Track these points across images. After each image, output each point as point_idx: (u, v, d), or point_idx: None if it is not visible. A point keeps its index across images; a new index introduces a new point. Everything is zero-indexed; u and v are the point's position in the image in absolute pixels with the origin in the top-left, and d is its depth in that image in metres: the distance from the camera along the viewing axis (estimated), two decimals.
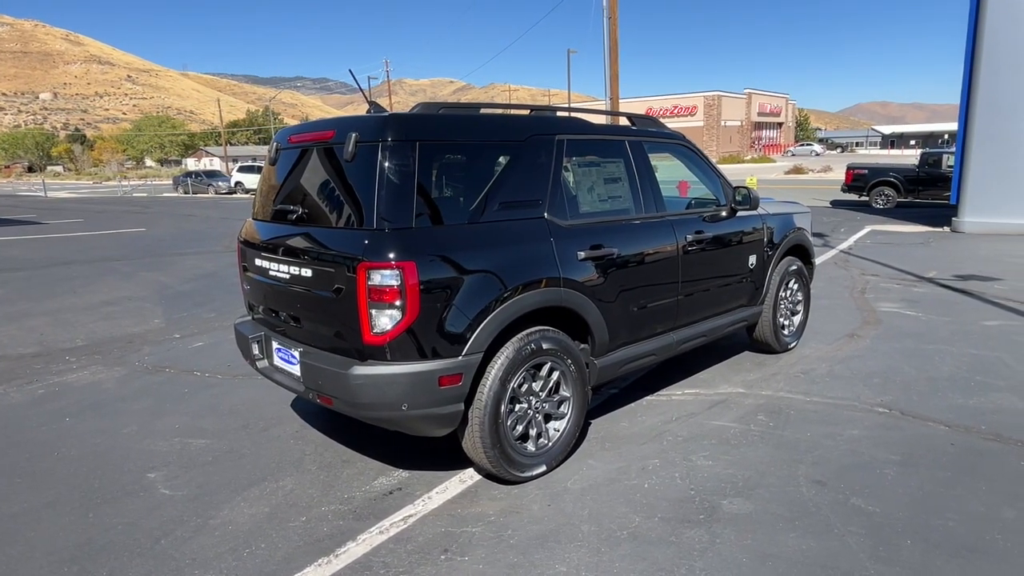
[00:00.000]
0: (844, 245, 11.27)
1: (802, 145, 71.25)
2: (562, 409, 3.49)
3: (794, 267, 5.26)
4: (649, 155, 4.12)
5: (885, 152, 73.30)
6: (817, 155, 63.94)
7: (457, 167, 3.24)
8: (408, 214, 2.92)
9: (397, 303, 2.84)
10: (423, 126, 3.08)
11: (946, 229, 12.87)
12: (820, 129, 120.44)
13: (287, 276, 3.30)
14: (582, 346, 3.59)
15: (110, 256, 12.35)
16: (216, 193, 37.21)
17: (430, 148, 3.05)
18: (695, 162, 4.63)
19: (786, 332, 5.31)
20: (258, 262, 3.57)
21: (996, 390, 4.36)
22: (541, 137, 3.50)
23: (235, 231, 16.21)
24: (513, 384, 3.21)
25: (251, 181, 36.37)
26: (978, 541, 2.73)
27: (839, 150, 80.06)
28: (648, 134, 4.22)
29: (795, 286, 5.37)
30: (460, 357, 2.99)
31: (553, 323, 3.41)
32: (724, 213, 4.53)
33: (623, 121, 4.60)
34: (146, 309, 7.80)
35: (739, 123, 64.26)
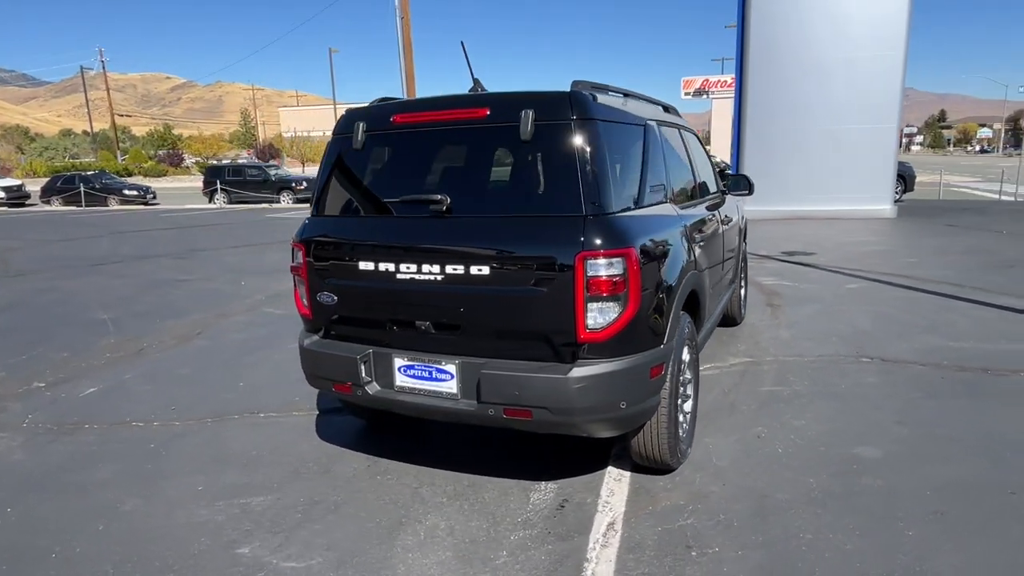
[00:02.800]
0: None
1: None
2: (687, 391, 3.54)
3: (744, 247, 5.94)
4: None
5: None
6: None
7: (620, 150, 3.09)
8: (609, 198, 2.73)
9: (620, 294, 2.64)
10: (597, 105, 2.88)
11: None
12: None
13: (438, 277, 2.82)
14: None
15: None
16: None
17: (607, 128, 2.87)
18: (698, 149, 4.97)
19: (742, 305, 5.97)
20: (367, 266, 2.98)
21: (918, 334, 5.47)
22: (650, 121, 3.49)
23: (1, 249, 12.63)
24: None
25: None
26: None
27: None
28: (681, 124, 4.44)
29: (743, 263, 6.06)
30: (662, 346, 2.88)
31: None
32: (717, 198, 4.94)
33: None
34: None
35: None
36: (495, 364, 2.77)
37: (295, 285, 3.36)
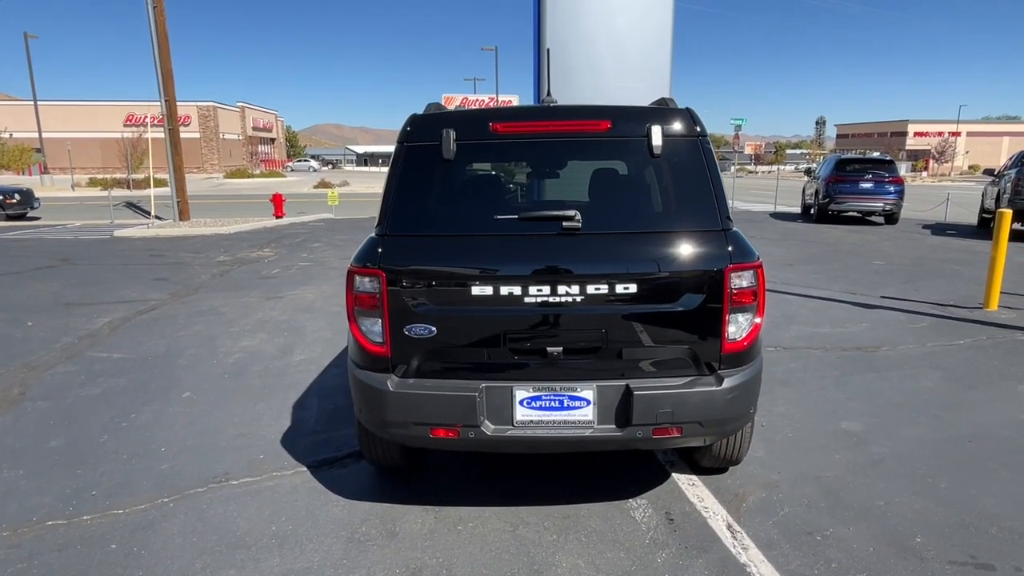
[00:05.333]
0: None
1: (299, 161, 74.23)
2: None
3: None
4: None
5: (365, 169, 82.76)
6: (315, 170, 67.70)
7: None
8: (728, 212, 2.83)
9: (753, 304, 2.76)
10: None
11: None
12: (307, 147, 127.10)
13: (578, 299, 2.64)
14: None
15: None
16: None
17: None
18: None
19: None
20: (483, 290, 2.65)
21: (785, 324, 6.51)
22: None
23: None
24: None
25: None
26: (967, 378, 4.45)
27: (330, 166, 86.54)
28: None
29: None
30: (762, 351, 3.06)
31: None
32: None
33: None
34: None
35: (238, 137, 62.56)
36: (643, 384, 2.69)
37: (354, 318, 2.83)
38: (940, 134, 69.61)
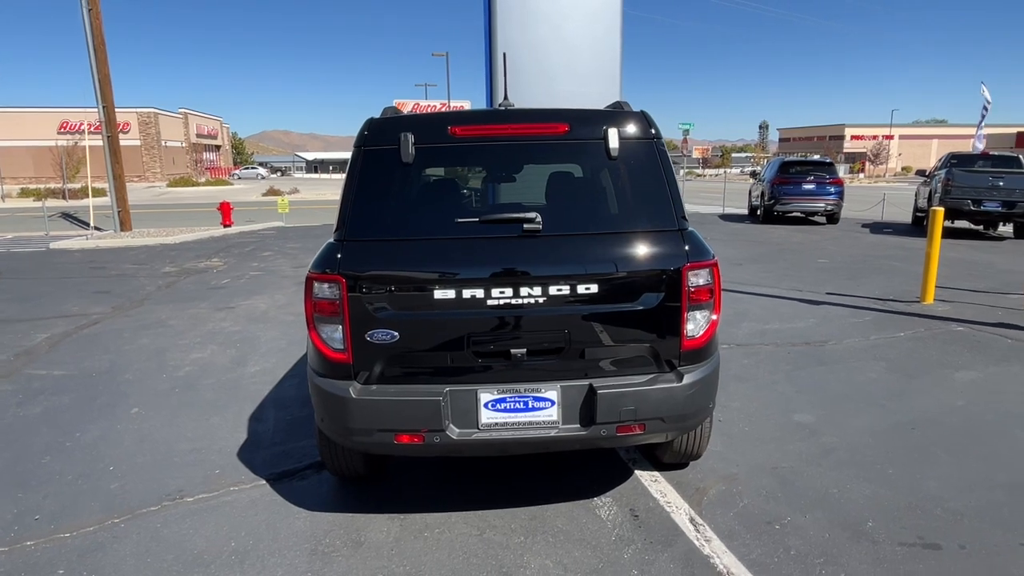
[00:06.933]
0: None
1: (246, 168, 72.34)
2: None
3: None
4: None
5: (316, 176, 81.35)
6: (263, 178, 66.16)
7: None
8: (684, 212, 2.89)
9: (710, 301, 2.83)
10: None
11: None
12: (254, 154, 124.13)
13: (540, 300, 2.65)
14: None
15: None
16: None
17: None
18: None
19: None
20: (445, 294, 2.65)
21: (737, 321, 6.69)
22: None
23: None
24: None
25: None
26: (908, 368, 4.65)
27: (279, 174, 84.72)
28: None
29: None
30: (718, 346, 3.14)
31: None
32: None
33: None
34: None
35: (181, 144, 60.60)
36: (606, 383, 2.72)
37: (314, 326, 2.77)
38: (875, 137, 72.88)
